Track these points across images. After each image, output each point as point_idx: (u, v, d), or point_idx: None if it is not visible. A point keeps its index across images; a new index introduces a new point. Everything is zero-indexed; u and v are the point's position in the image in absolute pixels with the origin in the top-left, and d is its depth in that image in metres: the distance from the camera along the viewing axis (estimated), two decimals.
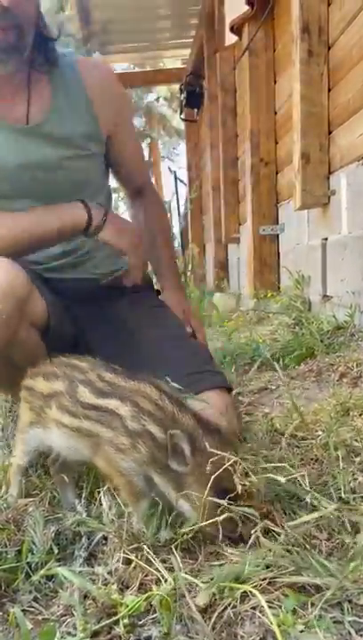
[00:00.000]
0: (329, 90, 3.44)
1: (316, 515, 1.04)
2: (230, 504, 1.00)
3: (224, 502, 1.00)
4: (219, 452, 1.04)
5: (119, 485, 1.14)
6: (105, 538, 1.09)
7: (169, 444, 1.06)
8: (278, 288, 4.71)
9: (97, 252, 1.72)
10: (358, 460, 1.38)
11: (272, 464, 1.18)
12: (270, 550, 0.96)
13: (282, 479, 1.06)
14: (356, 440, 1.48)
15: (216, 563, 1.02)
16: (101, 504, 1.15)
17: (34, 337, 1.46)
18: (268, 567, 0.94)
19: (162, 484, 1.09)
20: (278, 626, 0.80)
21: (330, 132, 3.45)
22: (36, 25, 1.49)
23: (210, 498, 1.02)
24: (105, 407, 1.14)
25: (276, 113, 4.90)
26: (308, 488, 1.13)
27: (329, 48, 3.43)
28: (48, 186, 1.59)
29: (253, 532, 1.00)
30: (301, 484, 1.15)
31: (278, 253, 4.99)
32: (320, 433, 1.54)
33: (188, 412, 1.12)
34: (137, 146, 1.95)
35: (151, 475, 1.10)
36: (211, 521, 1.02)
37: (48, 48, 1.56)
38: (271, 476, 1.07)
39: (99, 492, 1.19)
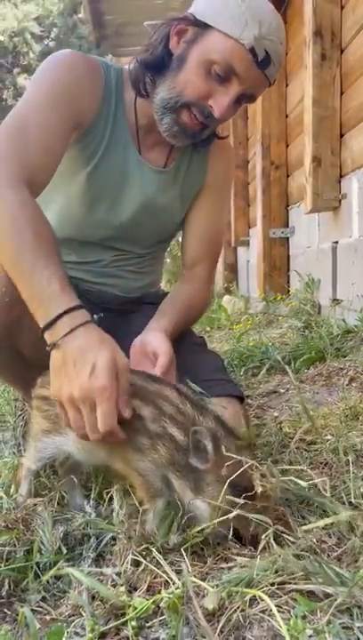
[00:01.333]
0: (341, 93, 3.44)
1: (330, 520, 1.04)
2: (247, 503, 1.00)
3: (241, 501, 1.00)
4: (237, 456, 1.05)
5: (135, 484, 1.14)
6: (113, 539, 1.09)
7: (191, 441, 1.07)
8: (288, 291, 4.70)
9: (135, 276, 1.75)
10: None
11: (287, 467, 1.17)
12: (279, 555, 0.96)
13: (304, 483, 1.06)
14: None
15: (225, 566, 1.02)
16: (111, 504, 1.15)
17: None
18: (277, 572, 0.94)
19: (179, 486, 1.10)
20: (288, 631, 0.79)
21: (342, 136, 3.44)
22: None
23: (228, 496, 1.02)
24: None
25: (287, 116, 4.90)
26: (327, 494, 1.12)
27: (342, 51, 3.43)
28: (148, 232, 1.69)
29: (264, 536, 1.00)
30: (318, 489, 1.15)
31: (288, 256, 4.99)
32: (330, 437, 1.53)
33: (209, 415, 1.13)
34: (215, 225, 1.77)
35: (169, 476, 1.11)
36: (224, 517, 1.02)
37: (210, 138, 1.62)
38: (293, 479, 1.07)
39: (108, 494, 1.19)
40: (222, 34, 1.39)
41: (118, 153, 1.57)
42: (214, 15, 1.41)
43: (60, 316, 1.16)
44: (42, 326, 1.17)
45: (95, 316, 1.22)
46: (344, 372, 2.41)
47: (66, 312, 1.16)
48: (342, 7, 3.42)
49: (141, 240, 1.70)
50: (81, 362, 1.12)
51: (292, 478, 1.08)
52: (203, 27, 1.42)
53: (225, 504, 1.03)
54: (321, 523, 1.03)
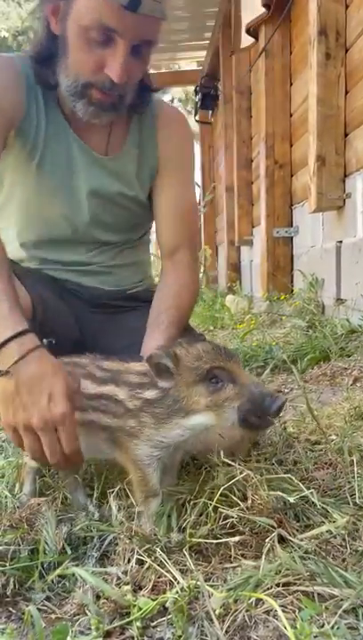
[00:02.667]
0: (346, 92, 3.43)
1: (324, 528, 1.04)
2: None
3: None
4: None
5: (134, 481, 1.16)
6: (116, 539, 1.09)
7: (152, 368, 1.10)
8: (292, 291, 4.69)
9: (120, 270, 1.74)
10: None
11: (280, 475, 1.17)
12: (283, 558, 0.96)
13: (291, 499, 1.06)
14: None
15: (229, 566, 1.02)
16: (113, 504, 1.15)
17: None
18: (281, 572, 0.94)
19: (175, 427, 1.12)
20: (294, 634, 0.79)
21: (346, 135, 3.43)
22: (139, 81, 1.50)
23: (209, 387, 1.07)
24: (106, 394, 1.18)
25: (291, 115, 4.89)
26: (318, 503, 1.12)
27: (346, 51, 3.42)
28: (113, 217, 1.64)
29: (268, 539, 1.00)
30: (323, 489, 1.15)
31: (292, 256, 4.98)
32: (334, 437, 1.53)
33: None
34: (183, 203, 1.67)
35: (162, 432, 1.13)
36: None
37: (142, 96, 1.56)
38: (281, 494, 1.08)
39: (111, 493, 1.20)
40: None
41: (59, 142, 1.54)
42: None
43: (8, 341, 1.14)
44: None
45: (45, 341, 1.20)
46: (348, 371, 2.41)
47: (14, 337, 1.15)
48: (346, 6, 3.40)
49: (111, 226, 1.66)
50: (37, 389, 1.11)
51: (280, 494, 1.08)
52: None
53: (209, 396, 1.07)
54: (318, 530, 1.04)
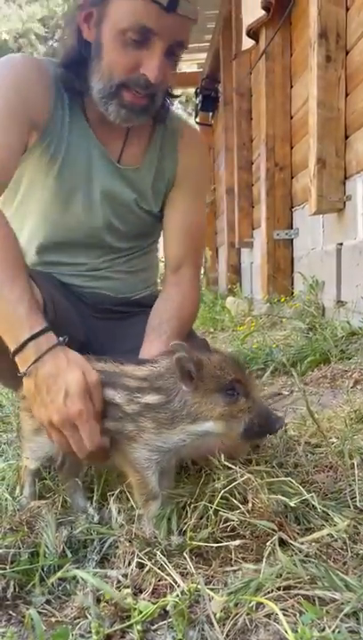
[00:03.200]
0: (346, 95, 3.43)
1: (325, 532, 1.04)
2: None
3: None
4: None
5: (133, 484, 1.16)
6: (117, 542, 1.09)
7: (177, 367, 1.11)
8: (292, 293, 4.69)
9: (128, 276, 1.74)
10: None
11: (280, 478, 1.17)
12: (284, 562, 0.96)
13: (292, 503, 1.07)
14: None
15: (230, 569, 1.01)
16: (112, 507, 1.15)
17: None
18: (282, 576, 0.93)
19: (179, 433, 1.13)
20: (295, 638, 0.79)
21: (347, 138, 3.43)
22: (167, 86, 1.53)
23: (223, 399, 1.12)
24: (104, 398, 1.18)
25: (292, 117, 4.89)
26: (319, 506, 1.12)
27: (347, 53, 3.42)
28: (126, 225, 1.66)
29: (269, 543, 1.00)
30: (324, 493, 1.15)
31: (292, 258, 4.98)
32: (335, 440, 1.53)
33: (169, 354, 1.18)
34: (192, 220, 1.69)
35: (163, 437, 1.13)
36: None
37: (165, 103, 1.58)
38: (281, 498, 1.08)
39: (111, 495, 1.19)
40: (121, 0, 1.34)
41: (81, 149, 1.56)
42: None
43: (26, 343, 1.18)
44: (11, 351, 1.20)
45: (61, 338, 1.22)
46: (349, 374, 2.41)
47: (32, 338, 1.18)
48: (347, 9, 3.41)
49: (122, 233, 1.68)
50: (53, 388, 1.15)
51: (280, 497, 1.08)
52: (102, 3, 1.37)
53: (225, 406, 1.11)
54: (318, 534, 1.04)
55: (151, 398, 1.15)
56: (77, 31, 1.45)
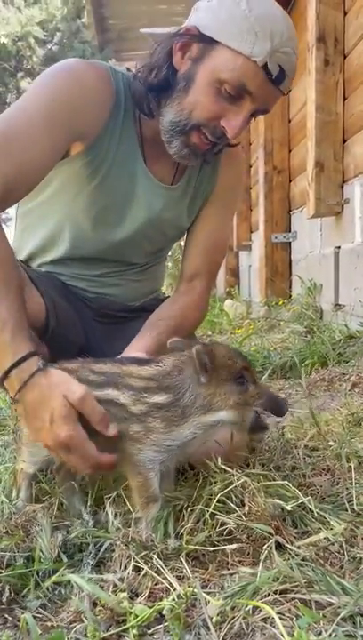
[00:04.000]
0: (344, 99, 3.44)
1: (322, 535, 1.04)
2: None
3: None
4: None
5: (133, 487, 1.15)
6: (113, 545, 1.09)
7: (197, 362, 1.13)
8: (290, 296, 4.69)
9: (137, 284, 1.72)
10: None
11: (277, 481, 1.17)
12: (281, 565, 0.95)
13: (288, 507, 1.07)
14: None
15: (226, 572, 1.01)
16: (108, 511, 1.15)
17: None
18: (278, 579, 0.93)
19: (190, 426, 1.14)
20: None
21: (345, 141, 3.45)
22: None
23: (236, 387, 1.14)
24: (105, 398, 1.16)
25: (290, 121, 4.91)
26: (315, 510, 1.12)
27: (345, 57, 3.44)
28: (150, 243, 1.65)
29: (265, 546, 1.00)
30: (321, 496, 1.15)
31: (290, 261, 4.99)
32: (332, 443, 1.52)
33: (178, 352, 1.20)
34: (217, 238, 1.69)
35: (173, 435, 1.14)
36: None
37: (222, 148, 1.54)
38: (278, 502, 1.08)
39: (108, 499, 1.19)
40: (231, 50, 1.29)
41: (126, 167, 1.52)
42: (221, 29, 1.31)
43: (10, 370, 1.16)
44: None
45: (40, 363, 1.18)
46: (347, 377, 2.41)
47: (14, 365, 1.16)
48: (345, 13, 3.43)
49: (144, 252, 1.67)
50: (39, 415, 1.14)
51: (277, 501, 1.08)
52: (209, 42, 1.33)
53: (239, 394, 1.14)
54: (315, 538, 1.03)
55: (160, 398, 1.14)
56: (169, 56, 1.39)
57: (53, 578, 1.00)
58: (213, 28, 1.32)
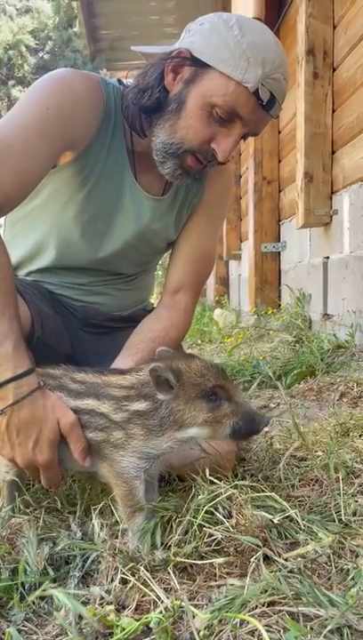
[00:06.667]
0: (333, 111, 3.48)
1: (310, 547, 1.04)
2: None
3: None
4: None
5: (118, 496, 1.15)
6: (100, 556, 1.08)
7: (152, 379, 1.12)
8: (279, 305, 4.71)
9: (125, 293, 1.72)
10: (358, 481, 1.37)
11: (264, 493, 1.17)
12: (268, 577, 0.95)
13: (275, 520, 1.07)
14: (356, 461, 1.47)
15: (214, 584, 1.00)
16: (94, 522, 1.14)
17: None
18: (266, 591, 0.93)
19: (167, 440, 1.14)
20: None
21: (333, 153, 3.48)
22: None
23: (206, 404, 1.13)
24: (85, 408, 1.18)
25: (280, 132, 4.95)
26: (302, 523, 1.12)
27: (334, 70, 3.48)
28: (139, 254, 1.65)
29: (253, 558, 0.99)
30: (309, 507, 1.14)
31: (280, 271, 5.01)
32: (320, 453, 1.53)
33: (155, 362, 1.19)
34: (203, 250, 1.68)
35: (151, 444, 1.14)
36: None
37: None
38: (264, 514, 1.08)
39: (95, 509, 1.18)
40: (223, 75, 1.30)
41: (114, 177, 1.52)
42: (213, 54, 1.31)
43: (7, 382, 1.16)
44: None
45: (41, 382, 1.20)
46: (335, 387, 2.41)
47: (13, 379, 1.16)
48: (334, 27, 3.47)
49: (132, 262, 1.66)
50: (25, 433, 1.17)
51: (263, 514, 1.08)
52: (201, 66, 1.33)
53: (209, 412, 1.13)
54: (302, 550, 1.03)
55: (140, 405, 1.15)
56: (161, 77, 1.40)
57: (37, 592, 0.98)
58: (205, 52, 1.33)
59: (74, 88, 1.41)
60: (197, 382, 1.14)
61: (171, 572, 1.01)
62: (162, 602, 0.93)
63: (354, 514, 1.22)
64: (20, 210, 1.55)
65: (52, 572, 1.04)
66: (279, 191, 4.98)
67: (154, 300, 2.07)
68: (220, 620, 0.88)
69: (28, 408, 1.16)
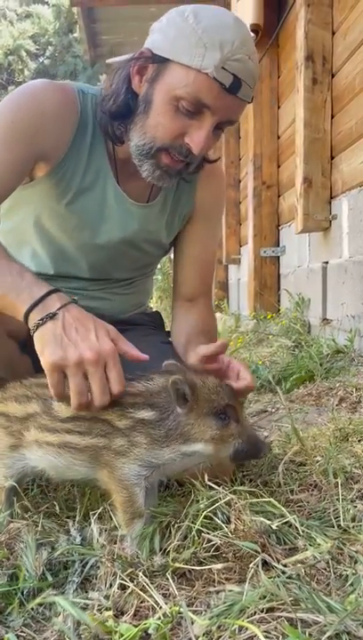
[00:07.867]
0: (332, 116, 3.49)
1: (309, 553, 1.03)
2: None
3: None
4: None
5: (117, 502, 1.15)
6: (99, 562, 1.07)
7: (172, 391, 1.13)
8: (278, 310, 4.72)
9: (123, 298, 1.72)
10: (357, 487, 1.37)
11: (263, 498, 1.16)
12: (267, 584, 0.95)
13: (274, 525, 1.06)
14: (355, 467, 1.47)
15: (213, 590, 1.00)
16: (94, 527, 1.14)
17: (8, 346, 1.46)
18: (265, 597, 0.93)
19: (170, 451, 1.14)
20: None
21: (332, 158, 3.49)
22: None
23: (216, 422, 1.14)
24: (86, 415, 1.17)
25: (279, 137, 4.96)
26: (301, 528, 1.12)
27: (333, 76, 3.49)
28: (132, 260, 1.66)
29: (252, 564, 0.99)
30: (308, 512, 1.14)
31: (279, 275, 5.02)
32: (319, 458, 1.52)
33: (164, 374, 1.20)
34: (207, 255, 1.72)
35: (154, 453, 1.14)
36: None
37: (199, 166, 1.53)
38: (263, 520, 1.07)
39: (94, 514, 1.18)
40: (182, 66, 1.29)
41: (96, 187, 1.52)
42: (171, 47, 1.30)
43: (47, 295, 1.19)
44: (27, 308, 1.18)
45: (75, 298, 1.26)
46: (334, 392, 2.41)
47: (52, 292, 1.21)
48: (333, 33, 3.49)
49: (126, 268, 1.67)
50: (83, 328, 1.16)
51: (262, 519, 1.08)
52: (161, 61, 1.33)
53: (217, 430, 1.14)
54: (301, 556, 1.03)
55: (146, 414, 1.15)
56: (128, 81, 1.40)
57: (37, 600, 0.98)
58: (164, 47, 1.32)
59: (43, 101, 1.42)
60: (211, 399, 1.15)
61: (169, 578, 1.01)
62: (160, 607, 0.93)
63: (353, 519, 1.22)
64: (6, 222, 1.58)
65: (50, 578, 1.04)
66: (279, 196, 4.99)
67: (152, 303, 2.07)
68: (218, 626, 0.88)
69: (75, 308, 1.19)
